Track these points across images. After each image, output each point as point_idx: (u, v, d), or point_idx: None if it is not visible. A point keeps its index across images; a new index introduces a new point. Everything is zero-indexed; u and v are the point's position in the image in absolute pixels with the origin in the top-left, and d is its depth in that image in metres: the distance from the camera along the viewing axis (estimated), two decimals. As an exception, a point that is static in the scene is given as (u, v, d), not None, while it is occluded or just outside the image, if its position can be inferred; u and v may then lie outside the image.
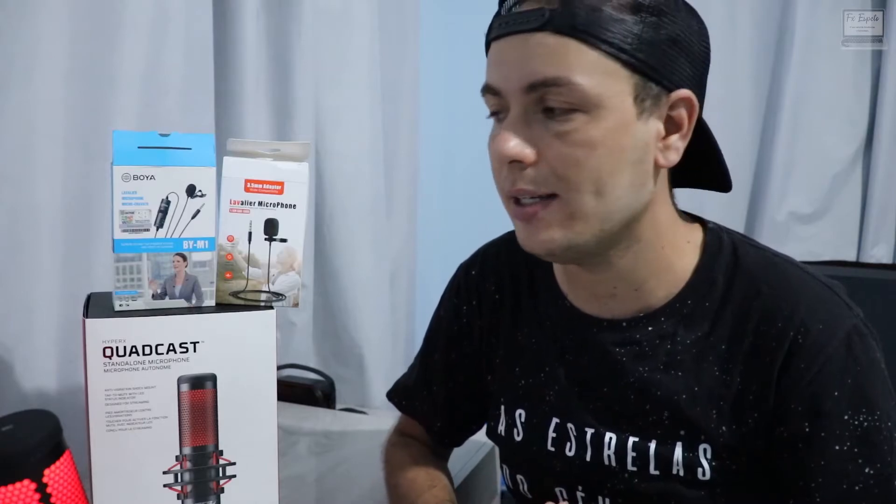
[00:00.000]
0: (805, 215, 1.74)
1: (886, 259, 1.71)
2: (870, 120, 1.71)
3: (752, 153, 1.76)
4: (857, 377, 0.62)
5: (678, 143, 0.64)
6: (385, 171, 1.48)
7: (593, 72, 0.59)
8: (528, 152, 0.62)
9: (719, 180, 0.72)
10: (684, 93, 0.63)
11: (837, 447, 0.62)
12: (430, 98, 1.68)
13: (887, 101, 1.66)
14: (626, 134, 0.61)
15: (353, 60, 1.38)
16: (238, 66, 1.18)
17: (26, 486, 0.58)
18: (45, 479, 0.59)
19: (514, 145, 0.62)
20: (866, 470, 0.62)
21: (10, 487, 0.57)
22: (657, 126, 0.63)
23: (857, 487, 0.62)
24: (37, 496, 0.58)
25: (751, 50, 1.70)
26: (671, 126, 0.64)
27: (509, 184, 0.64)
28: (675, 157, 0.64)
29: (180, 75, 1.05)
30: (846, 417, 0.62)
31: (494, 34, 0.64)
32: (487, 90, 0.65)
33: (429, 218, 1.75)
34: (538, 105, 0.61)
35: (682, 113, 0.63)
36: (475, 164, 1.84)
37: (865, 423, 0.62)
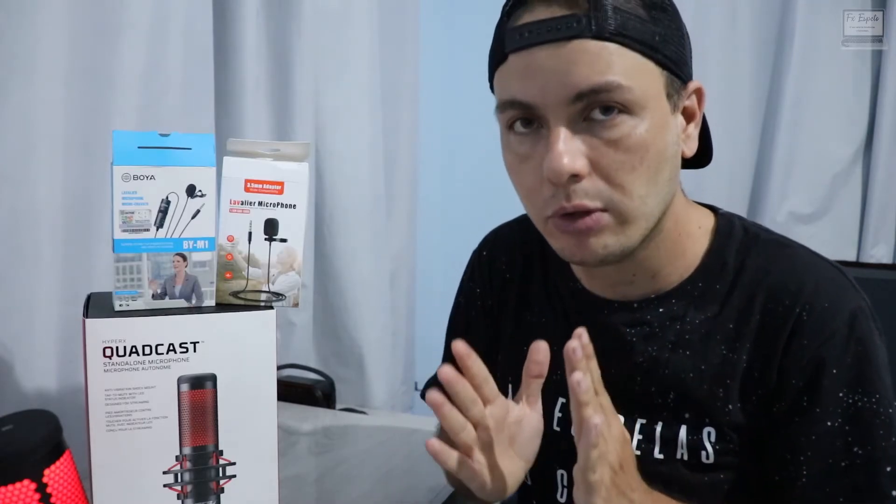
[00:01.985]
0: (805, 215, 1.74)
1: (886, 259, 1.71)
2: (870, 120, 1.71)
3: (752, 153, 1.76)
4: (857, 357, 0.62)
5: (693, 131, 0.66)
6: (385, 171, 1.48)
7: (634, 73, 0.59)
8: (582, 164, 0.59)
9: (700, 155, 0.72)
10: (696, 83, 0.65)
11: (829, 423, 0.62)
12: (430, 98, 1.68)
13: (887, 101, 1.65)
14: (665, 131, 0.62)
15: (353, 60, 1.38)
16: (238, 66, 1.18)
17: (26, 486, 0.58)
18: (45, 479, 0.59)
19: (571, 160, 0.59)
20: (855, 449, 0.62)
21: (10, 487, 0.57)
22: (680, 119, 0.65)
23: (842, 464, 0.62)
24: (37, 496, 0.58)
25: (751, 50, 1.70)
26: (686, 116, 0.66)
27: (560, 200, 0.61)
28: (694, 146, 0.66)
29: (180, 75, 1.05)
30: (841, 395, 0.62)
31: (516, 45, 0.60)
32: (515, 105, 0.62)
33: (429, 218, 1.75)
34: (582, 114, 0.59)
35: (694, 102, 0.66)
36: (475, 164, 1.85)
37: (860, 404, 0.62)
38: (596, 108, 0.59)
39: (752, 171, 1.76)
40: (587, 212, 0.61)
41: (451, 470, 0.63)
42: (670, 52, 0.61)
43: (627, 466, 0.59)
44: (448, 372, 0.61)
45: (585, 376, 0.55)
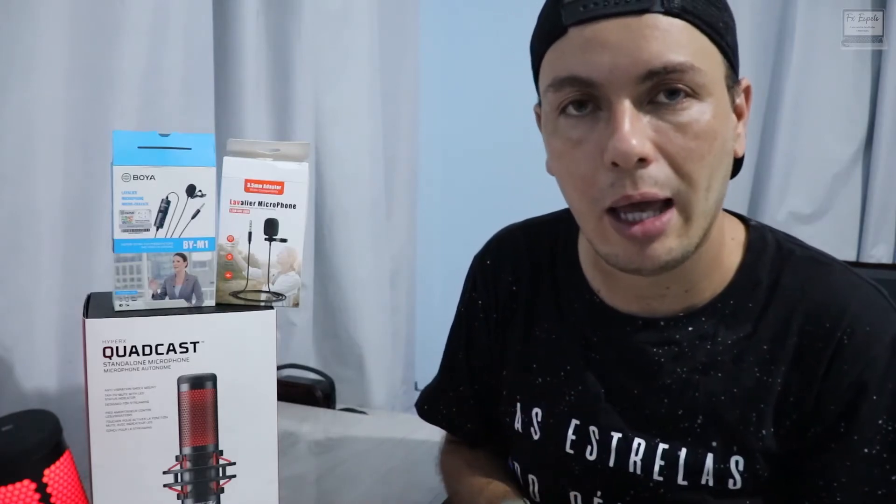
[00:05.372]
0: (805, 215, 1.74)
1: (886, 259, 1.71)
2: (870, 120, 1.71)
3: (752, 153, 1.75)
4: None
5: (743, 130, 0.62)
6: (385, 171, 1.48)
7: (704, 56, 0.55)
8: (650, 148, 0.54)
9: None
10: (747, 81, 0.62)
11: (867, 450, 0.60)
12: (430, 98, 1.69)
13: (887, 101, 1.65)
14: (727, 123, 0.58)
15: (353, 60, 1.38)
16: (238, 66, 1.18)
17: (26, 486, 0.58)
18: (45, 479, 0.59)
19: (640, 142, 0.53)
20: (892, 477, 0.60)
21: (10, 487, 0.57)
22: (734, 115, 0.61)
23: (879, 492, 0.60)
24: (37, 496, 0.58)
25: (751, 50, 1.70)
26: (737, 114, 0.62)
27: (623, 189, 0.55)
28: (744, 146, 0.62)
29: (180, 75, 1.05)
30: (880, 422, 0.60)
31: (580, 17, 0.55)
32: (574, 83, 0.56)
33: (429, 218, 1.75)
34: (648, 95, 0.55)
35: (743, 101, 0.62)
36: (475, 164, 1.85)
37: None
38: (663, 89, 0.54)
39: (752, 171, 1.76)
40: (655, 202, 0.56)
41: None
42: (731, 41, 0.58)
43: None
44: None
45: None
